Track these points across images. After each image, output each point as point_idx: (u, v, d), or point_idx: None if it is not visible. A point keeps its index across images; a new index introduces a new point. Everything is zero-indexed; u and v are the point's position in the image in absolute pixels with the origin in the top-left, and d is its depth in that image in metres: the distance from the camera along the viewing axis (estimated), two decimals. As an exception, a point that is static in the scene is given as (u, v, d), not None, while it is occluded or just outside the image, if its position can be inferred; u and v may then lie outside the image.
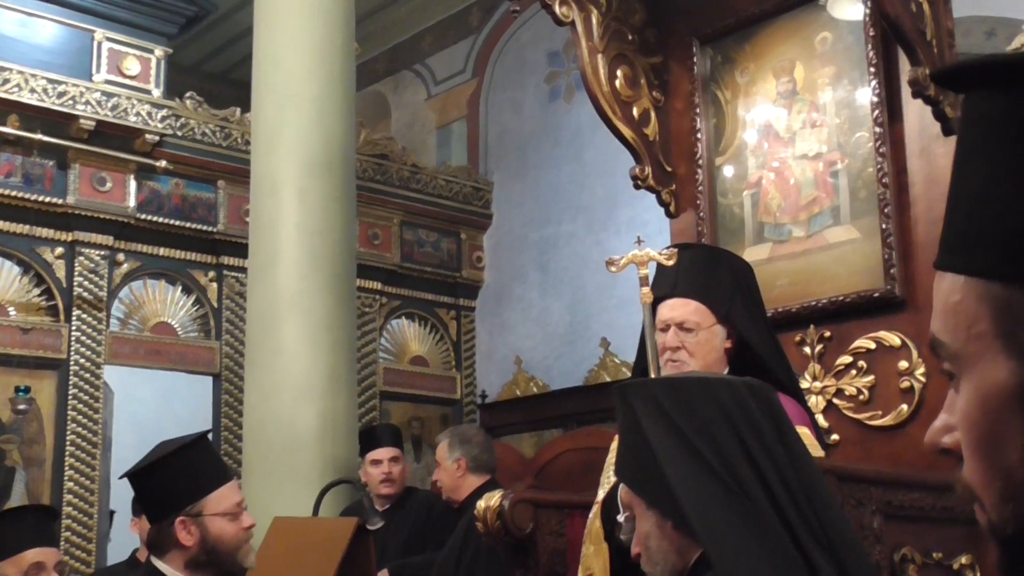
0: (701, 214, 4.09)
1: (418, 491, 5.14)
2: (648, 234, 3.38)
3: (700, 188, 4.11)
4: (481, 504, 3.06)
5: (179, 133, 7.62)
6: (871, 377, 3.54)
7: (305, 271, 5.74)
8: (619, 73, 4.01)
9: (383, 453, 4.87)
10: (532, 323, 8.71)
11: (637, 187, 4.15)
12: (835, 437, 3.58)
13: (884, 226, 3.57)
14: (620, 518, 2.71)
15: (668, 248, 2.90)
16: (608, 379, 7.81)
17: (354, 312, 6.23)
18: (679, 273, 2.83)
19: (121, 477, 2.64)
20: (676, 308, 2.81)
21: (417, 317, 8.93)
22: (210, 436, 2.84)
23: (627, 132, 4.03)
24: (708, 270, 2.86)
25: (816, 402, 3.60)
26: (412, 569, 4.35)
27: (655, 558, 1.71)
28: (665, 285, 2.85)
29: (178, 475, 2.50)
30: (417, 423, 8.61)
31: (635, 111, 4.08)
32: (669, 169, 4.19)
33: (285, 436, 5.30)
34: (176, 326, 7.64)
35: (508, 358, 8.79)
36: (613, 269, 2.81)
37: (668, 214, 4.22)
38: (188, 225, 7.65)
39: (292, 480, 5.09)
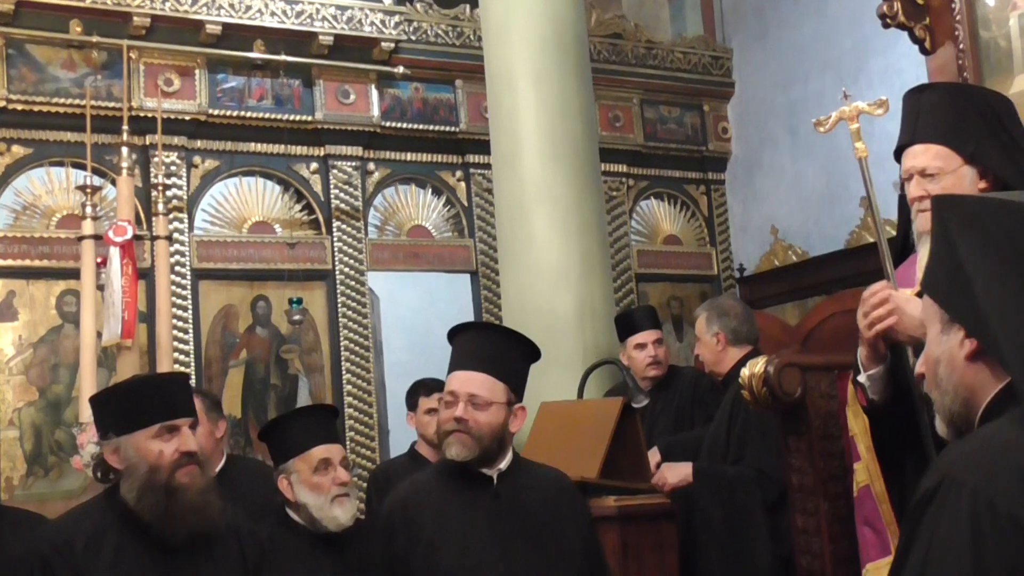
0: (961, 46, 3.71)
1: (682, 369, 5.04)
2: (905, 82, 3.14)
3: (958, 18, 3.73)
4: (745, 372, 2.94)
5: (413, 38, 7.70)
6: None
7: (548, 159, 5.70)
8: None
9: (646, 336, 4.78)
10: (786, 190, 8.37)
11: (886, 26, 3.82)
12: None
13: None
14: (861, 378, 2.54)
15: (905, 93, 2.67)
16: (871, 240, 7.41)
17: (601, 196, 6.15)
18: (917, 118, 2.63)
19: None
20: (916, 156, 2.62)
21: (666, 196, 8.76)
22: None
23: (872, -36, 3.69)
24: (948, 109, 2.63)
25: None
26: (681, 446, 4.28)
27: (944, 386, 1.52)
28: (905, 134, 2.67)
29: None
30: (676, 302, 8.50)
31: (879, -60, 3.73)
32: (921, 1, 3.82)
33: (544, 324, 5.32)
34: (430, 228, 7.82)
35: (763, 228, 8.50)
36: (822, 130, 2.74)
37: (923, 51, 3.86)
38: (431, 128, 7.77)
39: (554, 366, 5.09)
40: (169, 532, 2.63)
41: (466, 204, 7.87)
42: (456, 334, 3.04)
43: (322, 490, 3.23)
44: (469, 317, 7.73)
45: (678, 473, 3.97)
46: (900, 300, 2.44)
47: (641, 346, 4.77)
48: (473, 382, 2.89)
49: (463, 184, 7.89)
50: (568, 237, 5.63)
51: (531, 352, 3.04)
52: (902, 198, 2.71)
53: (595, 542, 3.02)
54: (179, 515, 2.63)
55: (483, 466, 2.90)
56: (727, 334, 4.21)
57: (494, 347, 2.96)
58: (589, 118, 5.98)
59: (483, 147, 6.80)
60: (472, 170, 7.85)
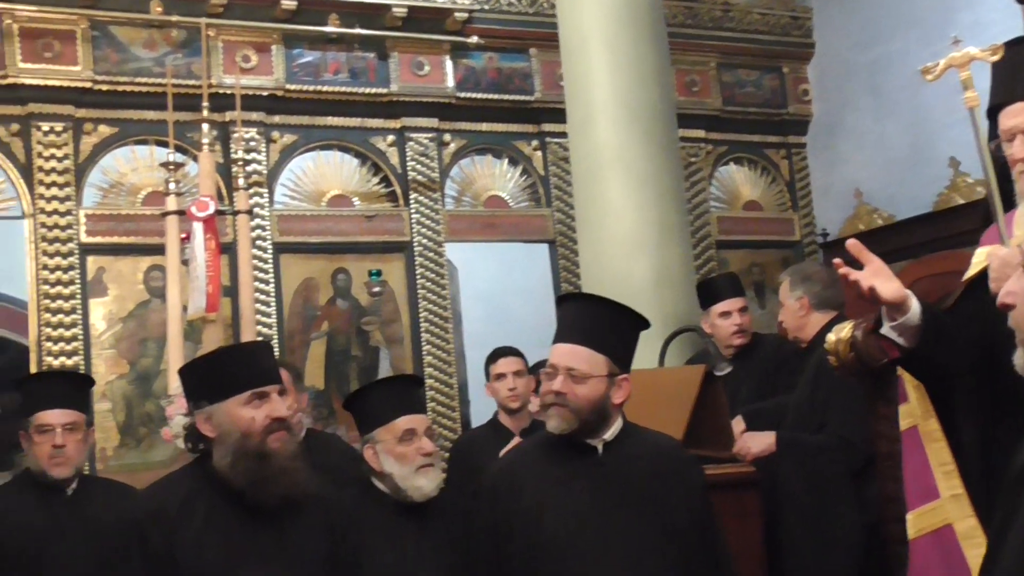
0: (1061, -5, 3.56)
1: (765, 336, 4.96)
2: (995, 36, 3.00)
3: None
4: (831, 337, 2.87)
5: (486, 7, 7.67)
6: None
7: (623, 126, 5.65)
8: None
9: (730, 304, 4.71)
10: (869, 151, 8.18)
11: (977, -23, 3.68)
12: None
13: None
14: (885, 329, 2.47)
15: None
16: (961, 201, 7.22)
17: (679, 162, 6.08)
18: (1016, 72, 2.50)
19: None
20: (1017, 114, 2.50)
21: (746, 161, 8.64)
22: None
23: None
24: None
25: None
26: (765, 414, 4.22)
27: None
28: (1002, 91, 2.54)
29: None
30: (757, 269, 8.39)
31: None
32: (1016, -51, 3.68)
33: (622, 292, 5.24)
34: (507, 198, 7.81)
35: (847, 192, 8.32)
36: (929, 77, 2.57)
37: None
38: (506, 97, 7.74)
39: (634, 334, 5.07)
40: (260, 497, 2.67)
41: (542, 173, 7.85)
42: (560, 304, 3.03)
43: (407, 460, 3.23)
44: (547, 287, 7.73)
45: (761, 442, 3.92)
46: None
47: (726, 314, 4.70)
48: (572, 355, 2.86)
49: (539, 153, 7.86)
50: (645, 204, 5.57)
51: (636, 321, 3.01)
52: (996, 158, 2.59)
53: (708, 513, 2.96)
54: (270, 480, 2.67)
55: (586, 437, 2.89)
56: (811, 298, 4.13)
57: (595, 318, 2.93)
58: (665, 83, 5.91)
59: (559, 115, 6.76)
60: (548, 139, 7.82)
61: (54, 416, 3.54)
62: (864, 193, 8.19)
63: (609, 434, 2.91)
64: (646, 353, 4.93)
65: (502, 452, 3.83)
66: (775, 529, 3.90)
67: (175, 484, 2.79)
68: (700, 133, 8.30)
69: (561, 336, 2.92)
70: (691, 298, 5.14)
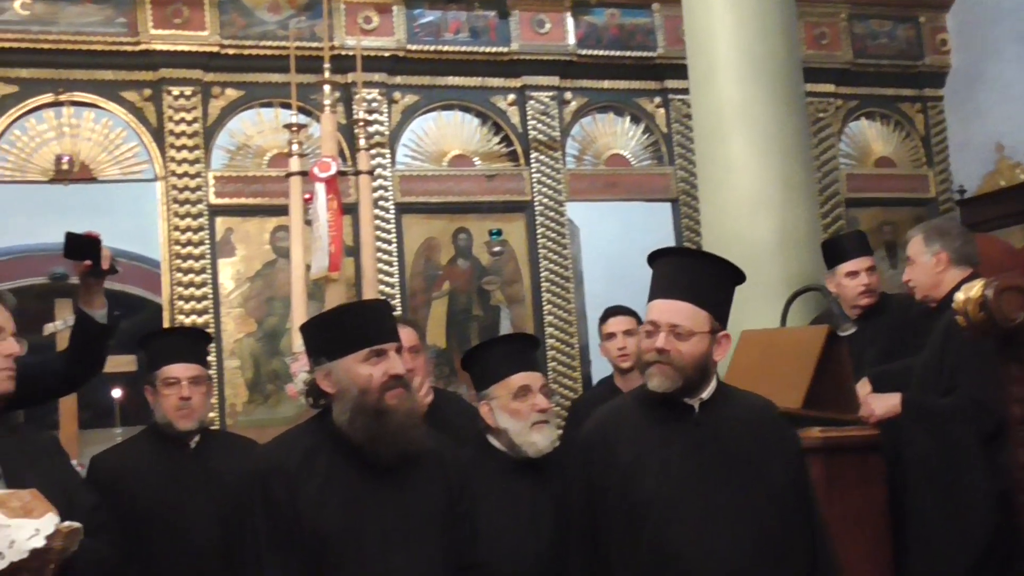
0: None
1: (893, 296, 4.78)
2: None
3: None
4: (960, 296, 2.73)
5: (607, -38, 7.57)
6: None
7: (747, 80, 5.50)
8: None
9: (858, 264, 4.55)
10: (1013, 103, 7.79)
11: None
12: None
13: None
14: None
15: None
16: (1111, 155, 6.84)
17: (805, 118, 5.89)
18: None
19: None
20: None
21: (878, 115, 8.34)
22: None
23: None
24: None
25: None
26: (891, 376, 4.07)
27: None
28: None
29: None
30: (889, 228, 8.11)
31: None
32: None
33: (745, 251, 5.15)
34: (629, 156, 7.72)
35: (987, 146, 7.95)
36: None
37: None
38: (628, 54, 7.63)
39: (755, 294, 4.92)
40: (379, 453, 2.70)
41: (665, 131, 7.72)
42: (655, 259, 2.95)
43: (521, 416, 3.23)
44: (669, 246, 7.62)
45: (885, 404, 3.77)
46: None
47: (853, 274, 4.55)
48: (674, 311, 2.79)
49: (662, 110, 7.73)
50: (768, 161, 5.43)
51: (734, 275, 2.93)
52: None
53: (804, 475, 2.89)
54: (388, 436, 2.69)
55: (685, 396, 2.83)
56: (950, 253, 3.93)
57: (695, 273, 2.86)
58: (790, 36, 5.72)
59: (682, 72, 6.60)
60: (671, 96, 7.69)
61: (180, 370, 3.62)
62: (1006, 147, 7.83)
63: (706, 393, 2.84)
64: (768, 313, 4.84)
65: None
66: (900, 494, 3.77)
67: (297, 439, 2.83)
68: (829, 87, 8.05)
69: (660, 292, 2.85)
70: (816, 258, 4.98)
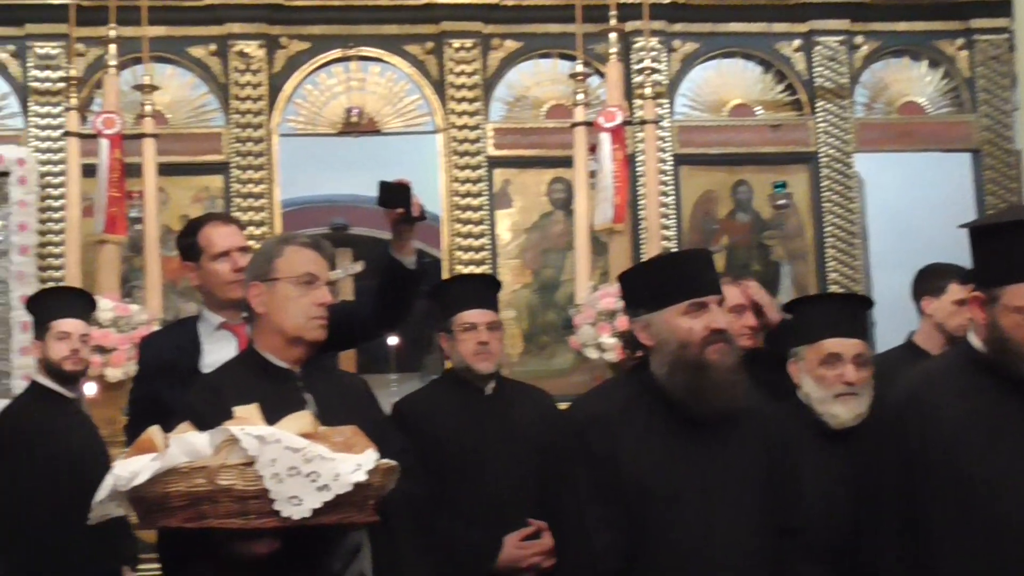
0: None
1: None
2: None
3: None
4: None
5: None
6: None
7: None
8: None
9: None
10: None
11: None
12: None
13: None
14: None
15: None
16: None
17: None
18: None
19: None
20: None
21: None
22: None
23: None
24: None
25: None
26: None
27: None
28: None
29: None
30: None
31: None
32: None
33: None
34: (925, 103, 7.20)
35: None
36: None
37: None
38: (934, -8, 7.10)
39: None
40: (698, 408, 2.60)
41: (968, 75, 7.13)
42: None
43: (826, 383, 3.09)
44: (964, 201, 7.08)
45: None
46: None
47: None
48: None
49: (965, 52, 7.13)
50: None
51: None
52: None
53: None
54: (708, 392, 2.58)
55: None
56: None
57: None
58: None
59: (993, 9, 6.09)
60: (976, 36, 7.06)
61: (477, 315, 3.68)
62: None
63: None
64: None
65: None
66: None
67: (615, 390, 2.79)
68: None
69: None
70: None
